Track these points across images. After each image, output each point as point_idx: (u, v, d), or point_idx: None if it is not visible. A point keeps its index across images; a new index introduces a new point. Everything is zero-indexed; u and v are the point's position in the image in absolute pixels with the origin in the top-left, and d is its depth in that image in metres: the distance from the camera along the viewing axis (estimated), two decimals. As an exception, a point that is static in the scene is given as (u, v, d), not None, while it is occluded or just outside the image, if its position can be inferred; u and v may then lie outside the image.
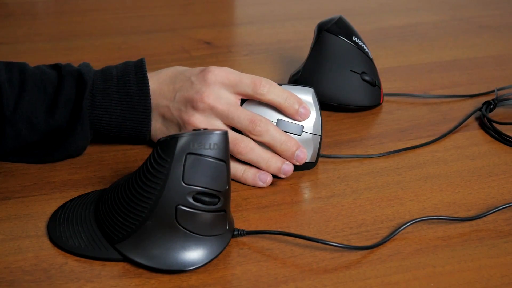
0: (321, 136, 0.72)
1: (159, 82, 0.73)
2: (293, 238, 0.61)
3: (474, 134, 0.80)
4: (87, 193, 0.66)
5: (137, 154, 0.75)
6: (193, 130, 0.58)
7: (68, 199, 0.65)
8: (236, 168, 0.69)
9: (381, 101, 0.87)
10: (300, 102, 0.70)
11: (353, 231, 0.63)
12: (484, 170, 0.73)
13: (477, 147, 0.78)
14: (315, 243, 0.60)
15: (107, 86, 0.71)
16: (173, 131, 0.72)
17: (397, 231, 0.62)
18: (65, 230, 0.61)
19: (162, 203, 0.57)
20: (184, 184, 0.57)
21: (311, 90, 0.72)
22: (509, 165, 0.74)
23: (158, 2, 1.26)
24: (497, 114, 0.85)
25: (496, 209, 0.65)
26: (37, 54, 1.01)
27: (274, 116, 0.70)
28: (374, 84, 0.86)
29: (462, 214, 0.66)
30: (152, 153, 0.58)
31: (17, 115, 0.68)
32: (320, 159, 0.73)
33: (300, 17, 1.20)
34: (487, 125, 0.81)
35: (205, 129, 0.58)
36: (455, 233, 0.63)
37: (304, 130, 0.71)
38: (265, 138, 0.69)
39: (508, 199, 0.68)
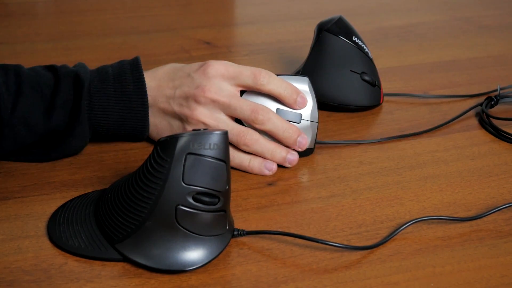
0: (317, 123, 0.73)
1: (157, 79, 0.73)
2: (293, 238, 0.61)
3: (474, 134, 0.80)
4: (87, 193, 0.66)
5: (137, 154, 0.75)
6: (193, 130, 0.58)
7: (68, 199, 0.65)
8: (241, 158, 0.71)
9: (381, 101, 0.87)
10: (298, 91, 0.72)
11: (353, 231, 0.63)
12: (484, 170, 0.73)
13: (477, 147, 0.78)
14: (315, 243, 0.60)
15: (104, 86, 0.72)
16: (175, 126, 0.73)
17: (397, 231, 0.62)
18: (65, 230, 0.61)
19: (162, 203, 0.57)
20: (184, 184, 0.57)
21: (306, 79, 0.73)
22: (509, 165, 0.74)
23: (158, 2, 1.26)
24: (498, 110, 0.85)
25: (496, 209, 0.65)
26: (36, 54, 1.01)
27: (273, 105, 0.72)
28: (374, 84, 0.86)
29: (462, 214, 0.66)
30: (152, 153, 0.58)
31: (15, 118, 0.68)
32: (320, 158, 0.74)
33: (300, 17, 1.20)
34: (485, 121, 0.81)
35: (205, 129, 0.58)
36: (455, 233, 0.63)
37: (302, 118, 0.72)
38: (267, 127, 0.71)
39: (508, 199, 0.68)
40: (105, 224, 0.59)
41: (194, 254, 0.57)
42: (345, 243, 0.61)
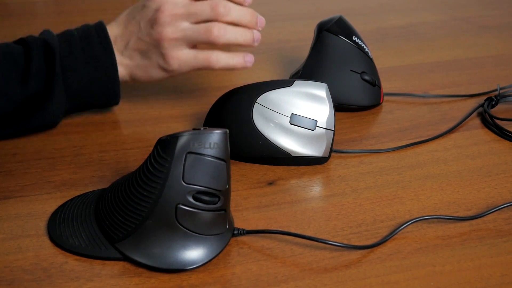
0: (334, 131, 0.72)
1: (122, 23, 0.77)
2: (293, 237, 0.61)
3: (474, 134, 0.80)
4: (87, 192, 0.66)
5: (137, 154, 0.75)
6: (193, 129, 0.58)
7: (68, 198, 0.66)
8: (225, 59, 0.76)
9: (381, 101, 0.87)
10: None
11: (353, 231, 0.63)
12: (484, 170, 0.73)
13: (477, 146, 0.78)
14: (315, 243, 0.60)
15: (72, 49, 0.74)
16: (154, 57, 0.76)
17: (397, 230, 0.62)
18: (65, 229, 0.61)
19: (162, 203, 0.57)
20: (184, 184, 0.57)
21: (324, 85, 0.72)
22: (509, 165, 0.74)
23: (158, 2, 1.26)
24: (498, 110, 0.85)
25: (496, 209, 0.65)
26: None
27: (288, 111, 0.71)
28: (374, 84, 0.86)
29: (462, 213, 0.66)
30: (152, 152, 0.58)
31: None
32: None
33: (300, 17, 1.20)
34: (488, 121, 0.82)
35: (205, 128, 0.58)
36: (455, 233, 0.63)
37: (317, 125, 0.71)
38: (232, 16, 0.75)
39: (508, 199, 0.68)
40: (105, 223, 0.59)
41: (194, 253, 0.58)
42: (345, 242, 0.61)
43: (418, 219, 0.63)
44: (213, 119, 0.76)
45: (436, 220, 0.64)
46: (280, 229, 0.62)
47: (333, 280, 0.57)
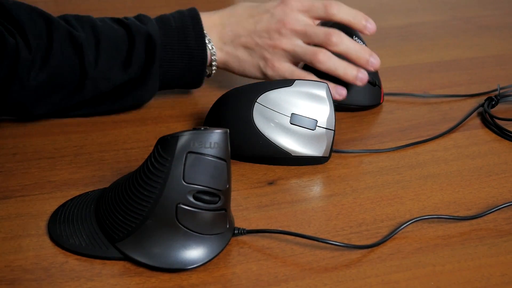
0: (334, 131, 0.72)
1: (237, 15, 0.82)
2: (294, 237, 0.61)
3: (474, 134, 0.80)
4: (88, 192, 0.66)
5: (138, 153, 0.75)
6: (194, 129, 0.58)
7: (69, 198, 0.66)
8: None
9: (381, 101, 0.87)
10: (367, 18, 0.81)
11: (353, 230, 0.63)
12: (484, 170, 0.73)
13: (477, 146, 0.78)
14: (316, 242, 0.60)
15: (169, 41, 0.80)
16: (257, 58, 0.82)
17: (397, 230, 0.62)
18: (65, 229, 0.61)
19: (163, 202, 0.57)
20: (184, 183, 0.57)
21: (325, 85, 0.72)
22: (509, 165, 0.74)
23: (158, 2, 1.26)
24: (498, 110, 0.85)
25: (496, 208, 0.65)
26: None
27: (288, 110, 0.71)
28: (374, 83, 0.86)
29: (462, 213, 0.66)
30: (152, 152, 0.58)
31: (96, 72, 0.76)
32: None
33: (300, 17, 1.20)
34: (488, 121, 0.82)
35: (205, 128, 0.58)
36: (455, 232, 0.63)
37: (317, 125, 0.71)
38: (340, 48, 0.79)
39: (508, 198, 0.68)
40: (105, 223, 0.59)
41: (194, 253, 0.57)
42: (346, 242, 0.61)
43: (418, 218, 0.63)
44: (213, 119, 0.76)
45: (436, 219, 0.64)
46: (280, 228, 0.62)
47: (334, 280, 0.57)
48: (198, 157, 0.57)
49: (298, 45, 0.80)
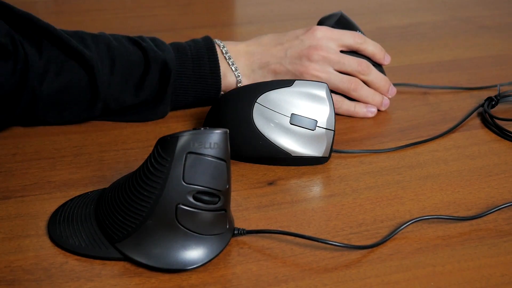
0: (334, 131, 0.72)
1: (263, 44, 0.84)
2: (294, 237, 0.61)
3: (474, 134, 0.80)
4: (87, 192, 0.66)
5: (137, 154, 0.75)
6: (194, 129, 0.58)
7: (68, 198, 0.66)
8: (348, 105, 0.83)
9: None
10: (385, 52, 0.86)
11: (353, 231, 0.63)
12: (484, 170, 0.73)
13: (477, 146, 0.78)
14: (316, 243, 0.60)
15: (184, 69, 0.81)
16: None
17: (397, 230, 0.62)
18: (65, 229, 0.61)
19: (162, 202, 0.57)
20: (184, 183, 0.57)
21: (325, 85, 0.73)
22: (509, 165, 0.74)
23: (158, 2, 1.26)
24: (499, 110, 0.85)
25: (496, 209, 0.65)
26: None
27: (288, 111, 0.71)
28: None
29: (462, 213, 0.66)
30: (152, 152, 0.58)
31: (109, 94, 0.77)
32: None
33: (300, 17, 1.20)
34: (488, 121, 0.82)
35: (205, 128, 0.58)
36: (455, 233, 0.63)
37: (317, 125, 0.71)
38: (370, 77, 0.83)
39: (508, 199, 0.68)
40: (105, 223, 0.59)
41: (194, 253, 0.57)
42: (345, 242, 0.61)
43: (418, 219, 0.63)
44: (213, 119, 0.76)
45: (436, 220, 0.64)
46: (280, 229, 0.62)
47: (333, 280, 0.57)
48: (198, 157, 0.57)
49: (332, 73, 0.82)
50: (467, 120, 0.83)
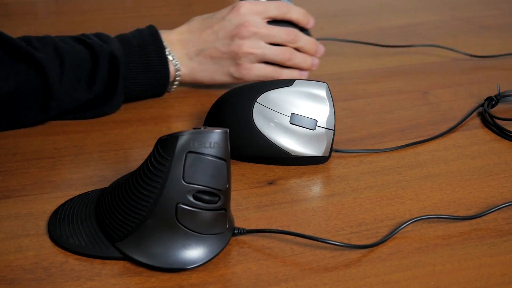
0: (334, 130, 0.72)
1: (194, 30, 0.85)
2: (293, 237, 0.61)
3: (474, 134, 0.80)
4: (88, 192, 0.66)
5: (137, 153, 0.75)
6: (193, 128, 0.58)
7: (69, 198, 0.66)
8: (286, 75, 0.86)
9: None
10: (308, 15, 0.87)
11: (353, 230, 0.63)
12: (484, 169, 0.73)
13: (477, 146, 0.78)
14: (315, 242, 0.60)
15: (132, 59, 0.81)
16: (226, 65, 0.84)
17: (397, 230, 0.62)
18: (65, 229, 0.61)
19: (163, 202, 0.57)
20: (184, 183, 0.57)
21: (325, 85, 0.72)
22: (509, 164, 0.74)
23: (158, 2, 1.26)
24: (499, 110, 0.85)
25: (496, 208, 0.65)
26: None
27: (288, 110, 0.71)
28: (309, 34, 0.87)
29: (462, 213, 0.66)
30: (152, 151, 0.58)
31: (61, 92, 0.76)
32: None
33: (300, 17, 1.20)
34: (488, 121, 0.82)
35: (205, 127, 0.58)
36: (455, 232, 0.63)
37: (317, 125, 0.71)
38: (299, 43, 0.85)
39: (508, 198, 0.68)
40: (105, 223, 0.59)
41: (194, 253, 0.58)
42: (345, 241, 0.61)
43: (418, 218, 0.63)
44: (213, 119, 0.76)
45: (436, 219, 0.64)
46: (280, 228, 0.62)
47: (333, 280, 0.57)
48: (198, 157, 0.57)
49: (265, 47, 0.84)
50: (467, 120, 0.83)
